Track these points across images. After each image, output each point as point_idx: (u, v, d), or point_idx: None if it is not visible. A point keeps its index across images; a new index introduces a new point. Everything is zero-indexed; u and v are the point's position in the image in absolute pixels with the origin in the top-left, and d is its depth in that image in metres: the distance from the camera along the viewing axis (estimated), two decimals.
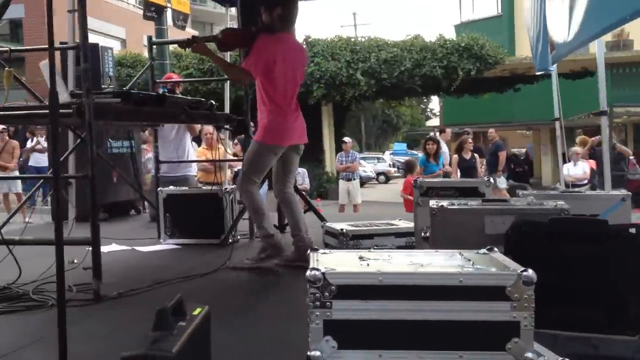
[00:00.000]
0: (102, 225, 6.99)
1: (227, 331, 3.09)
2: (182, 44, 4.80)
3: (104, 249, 5.52)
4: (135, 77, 6.30)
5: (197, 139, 8.95)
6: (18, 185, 11.27)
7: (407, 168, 10.93)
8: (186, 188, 6.09)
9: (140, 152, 8.58)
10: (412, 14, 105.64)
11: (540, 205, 3.13)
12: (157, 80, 6.46)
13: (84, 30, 3.71)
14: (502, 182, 11.74)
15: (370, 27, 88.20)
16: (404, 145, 44.48)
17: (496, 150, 12.57)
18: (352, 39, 17.37)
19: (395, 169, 33.70)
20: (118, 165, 7.58)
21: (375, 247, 4.57)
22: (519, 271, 1.87)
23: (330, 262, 2.07)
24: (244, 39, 4.65)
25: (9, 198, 11.30)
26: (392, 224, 4.85)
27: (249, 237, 5.90)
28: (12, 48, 3.84)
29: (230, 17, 7.41)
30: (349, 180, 12.38)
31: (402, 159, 37.14)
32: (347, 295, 1.91)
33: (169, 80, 7.13)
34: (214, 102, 5.46)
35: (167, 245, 5.66)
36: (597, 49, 5.54)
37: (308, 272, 1.93)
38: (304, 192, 12.32)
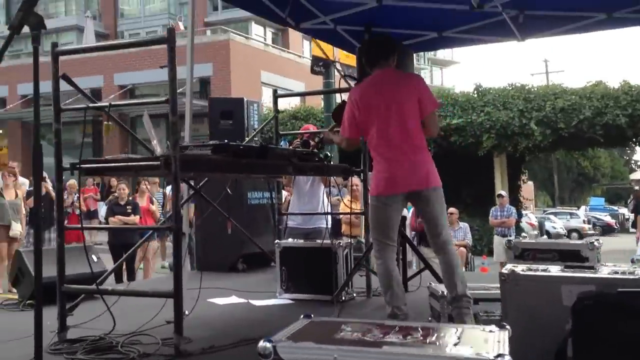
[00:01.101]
0: (236, 276, 7.24)
1: None
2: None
3: (221, 300, 5.62)
4: (259, 128, 6.44)
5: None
6: None
7: None
8: (301, 241, 6.00)
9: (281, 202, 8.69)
10: (604, 59, 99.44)
11: (628, 275, 2.62)
12: (282, 132, 6.53)
13: (172, 85, 3.80)
14: None
15: (563, 74, 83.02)
16: (602, 200, 41.34)
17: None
18: (527, 87, 16.54)
19: (590, 226, 30.83)
20: (259, 216, 7.72)
21: (482, 314, 4.17)
22: (491, 357, 1.53)
23: (304, 332, 1.85)
24: None
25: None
26: None
27: (366, 294, 5.65)
28: (113, 103, 4.02)
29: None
30: (504, 236, 11.63)
31: (600, 214, 34.40)
32: None
33: (291, 132, 7.17)
34: (328, 154, 5.39)
35: (281, 300, 5.55)
36: None
37: (260, 343, 1.74)
38: (464, 248, 11.90)
